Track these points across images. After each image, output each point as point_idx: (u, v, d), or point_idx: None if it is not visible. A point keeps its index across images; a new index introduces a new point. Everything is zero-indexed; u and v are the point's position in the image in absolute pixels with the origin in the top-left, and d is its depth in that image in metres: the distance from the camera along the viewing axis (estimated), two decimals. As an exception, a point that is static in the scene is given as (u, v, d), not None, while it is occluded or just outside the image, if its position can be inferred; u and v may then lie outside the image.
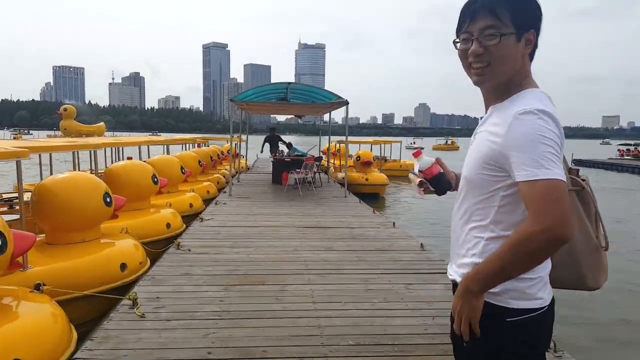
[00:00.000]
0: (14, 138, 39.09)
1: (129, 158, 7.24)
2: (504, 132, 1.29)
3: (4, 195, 8.09)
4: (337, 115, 16.38)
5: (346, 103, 10.98)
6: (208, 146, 16.23)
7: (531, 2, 1.37)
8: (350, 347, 3.36)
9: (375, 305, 4.19)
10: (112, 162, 12.02)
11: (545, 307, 1.37)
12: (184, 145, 15.30)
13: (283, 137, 16.97)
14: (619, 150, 46.49)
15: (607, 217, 1.62)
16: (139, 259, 5.22)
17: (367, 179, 15.00)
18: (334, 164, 17.03)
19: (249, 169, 19.13)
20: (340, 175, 15.88)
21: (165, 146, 11.88)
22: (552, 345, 4.38)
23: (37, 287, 3.63)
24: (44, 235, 5.14)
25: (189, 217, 8.38)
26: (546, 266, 1.39)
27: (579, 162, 39.60)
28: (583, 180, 1.48)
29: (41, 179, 8.35)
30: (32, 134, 65.86)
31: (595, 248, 1.45)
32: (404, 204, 15.37)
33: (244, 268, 5.19)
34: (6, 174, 16.91)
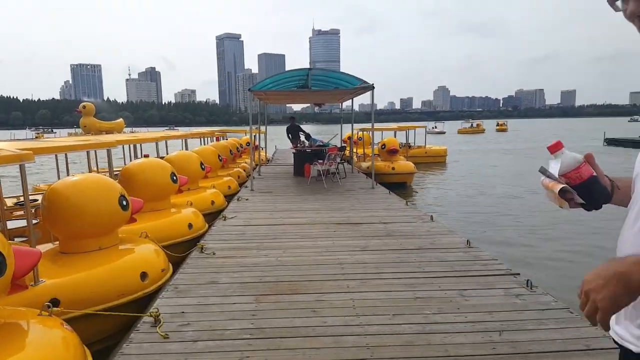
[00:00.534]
0: (36, 137, 39.55)
1: (146, 156, 6.83)
2: None
3: (22, 198, 7.79)
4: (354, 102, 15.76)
5: (372, 88, 10.36)
6: (226, 139, 15.81)
7: None
8: (409, 375, 2.85)
9: (429, 318, 3.65)
10: (130, 160, 11.74)
11: None
12: (202, 139, 14.91)
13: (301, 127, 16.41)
14: None
15: None
16: (161, 265, 4.79)
17: (393, 168, 14.37)
18: (356, 153, 16.43)
19: (269, 161, 18.69)
20: (365, 164, 15.30)
21: (183, 141, 11.50)
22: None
23: (47, 308, 3.21)
24: (58, 243, 4.76)
25: (211, 216, 7.96)
26: None
27: (612, 141, 37.74)
28: None
29: (58, 179, 8.05)
30: (55, 133, 66.77)
31: None
32: (433, 192, 14.71)
33: (274, 274, 4.71)
34: (30, 174, 16.83)
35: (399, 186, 14.05)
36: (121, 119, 30.19)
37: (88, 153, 6.74)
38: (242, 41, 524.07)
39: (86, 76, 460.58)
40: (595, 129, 76.54)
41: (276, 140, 29.77)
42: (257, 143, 16.35)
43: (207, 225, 6.95)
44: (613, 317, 1.04)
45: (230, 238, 6.17)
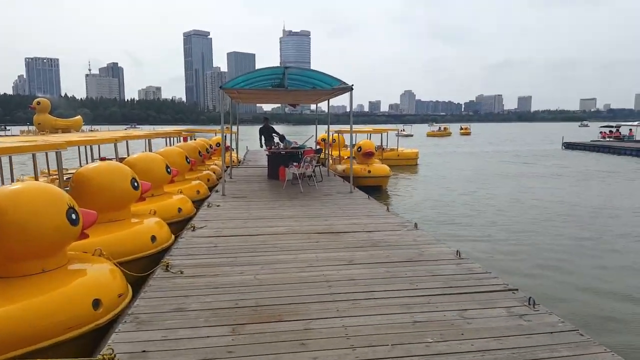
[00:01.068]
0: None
1: (102, 159, 6.04)
2: None
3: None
4: (323, 104, 15.25)
5: (350, 89, 9.86)
6: (195, 139, 14.95)
7: None
8: None
9: (433, 348, 3.17)
10: (87, 163, 10.79)
11: None
12: (167, 139, 14.00)
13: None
14: (601, 132, 46.31)
15: None
16: (118, 290, 4.09)
17: (369, 171, 13.93)
18: (331, 155, 15.89)
19: (240, 162, 17.91)
20: (340, 167, 14.81)
21: (146, 141, 10.64)
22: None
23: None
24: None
25: (178, 225, 7.24)
26: None
27: (569, 145, 39.17)
28: None
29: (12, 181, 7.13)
30: (9, 130, 63.19)
31: None
32: (408, 197, 14.38)
33: (252, 296, 4.10)
34: None
35: (374, 190, 13.64)
36: (79, 116, 28.52)
37: (34, 156, 5.90)
38: (211, 38, 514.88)
39: (42, 70, 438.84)
40: (551, 133, 79.89)
41: (246, 141, 28.92)
42: (227, 144, 15.57)
43: (173, 237, 6.24)
44: None
45: (199, 252, 5.49)
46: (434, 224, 10.24)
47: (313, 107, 16.02)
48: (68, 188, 5.89)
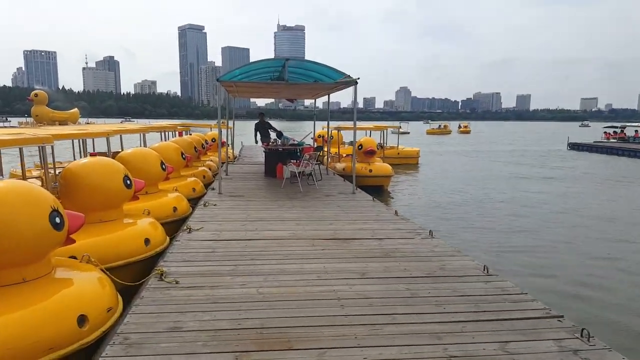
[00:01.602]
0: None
1: (92, 154, 5.57)
2: None
3: None
4: (318, 99, 14.77)
5: (355, 83, 9.42)
6: (190, 134, 14.47)
7: None
8: None
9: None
10: (82, 156, 10.27)
11: None
12: (162, 134, 13.50)
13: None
14: (605, 132, 45.70)
15: None
16: (107, 303, 3.65)
17: (370, 170, 13.51)
18: (329, 152, 15.46)
19: (235, 158, 17.44)
20: (340, 165, 14.39)
21: (141, 135, 10.16)
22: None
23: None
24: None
25: (173, 225, 6.80)
26: None
27: (575, 146, 38.70)
28: None
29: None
30: (10, 121, 62.26)
31: None
32: (412, 198, 14.00)
33: (256, 314, 3.67)
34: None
35: (375, 190, 13.23)
36: (76, 109, 27.95)
37: (21, 150, 5.42)
38: (205, 33, 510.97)
39: (40, 63, 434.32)
40: (554, 133, 79.54)
41: (241, 136, 28.39)
42: (223, 139, 15.09)
43: (167, 239, 5.80)
44: None
45: (197, 258, 5.05)
46: (445, 231, 9.63)
47: (307, 102, 15.56)
48: (57, 184, 5.44)
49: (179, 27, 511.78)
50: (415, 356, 3.07)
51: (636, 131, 42.03)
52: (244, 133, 25.77)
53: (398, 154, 22.02)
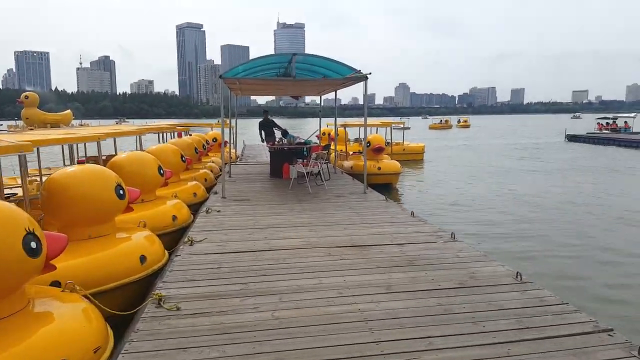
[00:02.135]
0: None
1: (80, 161, 4.98)
2: None
3: None
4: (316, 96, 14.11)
5: (365, 78, 8.80)
6: (190, 135, 13.86)
7: None
8: None
9: None
10: (73, 162, 9.68)
11: None
12: (160, 135, 12.89)
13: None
14: (598, 124, 45.47)
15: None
16: (93, 341, 3.06)
17: (379, 168, 12.91)
18: (335, 150, 14.85)
19: (238, 158, 16.84)
20: (347, 164, 13.78)
21: (137, 138, 9.56)
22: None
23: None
24: None
25: (172, 236, 6.22)
26: None
27: (572, 137, 38.36)
28: None
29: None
30: (1, 124, 61.61)
31: None
32: (420, 195, 13.40)
33: (273, 347, 3.09)
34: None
35: (384, 187, 12.64)
36: (69, 111, 27.29)
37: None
38: (204, 31, 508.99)
39: (32, 64, 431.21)
40: (547, 125, 79.07)
41: (243, 135, 27.79)
42: (226, 139, 14.49)
43: (167, 254, 5.20)
44: None
45: (200, 277, 4.46)
46: (462, 231, 8.50)
47: (307, 99, 14.95)
48: (38, 195, 4.85)
49: (177, 26, 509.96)
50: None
51: (625, 122, 42.62)
52: (245, 132, 25.17)
53: (404, 150, 21.40)
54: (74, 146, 9.06)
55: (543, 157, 25.31)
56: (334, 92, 12.35)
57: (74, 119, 29.63)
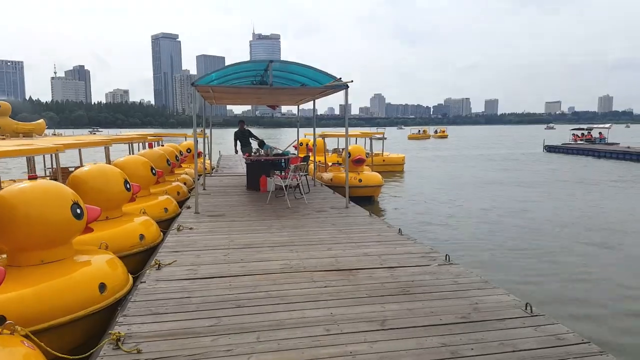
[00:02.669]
0: None
1: (31, 177, 4.39)
2: None
3: None
4: (293, 106, 13.73)
5: (345, 87, 8.45)
6: (162, 145, 13.21)
7: None
8: None
9: None
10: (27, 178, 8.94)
11: None
12: (130, 145, 12.21)
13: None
14: (573, 135, 46.52)
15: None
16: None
17: (360, 180, 12.53)
18: (315, 161, 14.42)
19: (213, 169, 16.22)
20: (327, 176, 13.38)
21: (105, 149, 8.91)
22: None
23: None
24: None
25: (141, 257, 5.65)
26: None
27: (551, 148, 39.14)
28: None
29: None
30: None
31: None
32: (402, 209, 13.07)
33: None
34: None
35: (365, 200, 12.28)
36: (42, 120, 26.25)
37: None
38: (180, 41, 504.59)
39: (5, 73, 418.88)
40: (522, 136, 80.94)
41: (219, 146, 27.07)
42: (200, 149, 13.90)
43: (131, 279, 4.64)
44: None
45: (167, 309, 3.92)
46: (454, 249, 8.15)
47: (284, 109, 14.54)
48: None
49: (152, 36, 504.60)
50: None
51: (600, 133, 43.54)
52: (221, 142, 24.52)
53: (384, 161, 21.18)
54: (32, 159, 8.36)
55: (525, 168, 25.49)
56: (312, 102, 11.94)
57: (47, 128, 28.47)
